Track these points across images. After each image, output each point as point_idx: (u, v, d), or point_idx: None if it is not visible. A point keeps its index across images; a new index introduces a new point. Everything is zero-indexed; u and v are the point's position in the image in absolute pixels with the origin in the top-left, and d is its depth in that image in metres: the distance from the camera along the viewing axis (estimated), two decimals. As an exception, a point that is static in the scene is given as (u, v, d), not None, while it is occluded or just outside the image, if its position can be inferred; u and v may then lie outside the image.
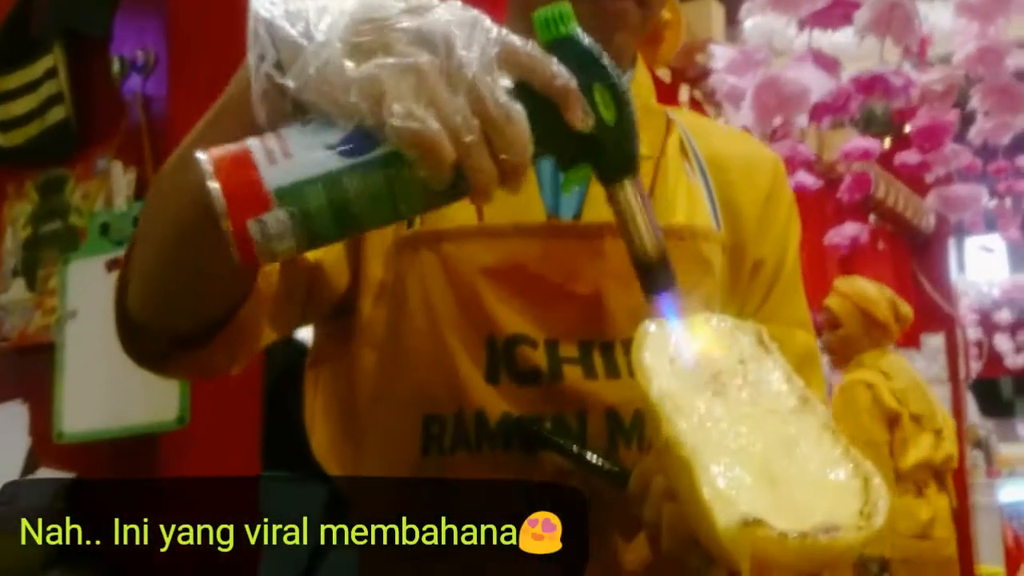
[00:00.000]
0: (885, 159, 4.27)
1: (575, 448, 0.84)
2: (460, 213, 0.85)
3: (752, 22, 2.66)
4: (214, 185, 0.57)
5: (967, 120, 3.44)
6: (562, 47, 0.65)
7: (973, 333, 7.79)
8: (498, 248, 0.87)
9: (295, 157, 0.58)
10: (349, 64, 0.57)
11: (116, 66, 1.85)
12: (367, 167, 0.58)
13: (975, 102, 2.89)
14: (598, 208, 0.87)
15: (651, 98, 0.99)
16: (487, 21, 0.60)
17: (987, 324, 8.40)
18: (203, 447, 1.71)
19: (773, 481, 0.63)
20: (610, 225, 0.86)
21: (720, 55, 2.83)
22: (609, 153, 0.67)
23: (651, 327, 0.74)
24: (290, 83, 0.58)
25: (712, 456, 0.64)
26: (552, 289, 0.87)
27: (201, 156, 0.58)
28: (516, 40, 0.61)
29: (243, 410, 1.81)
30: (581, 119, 0.63)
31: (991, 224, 6.41)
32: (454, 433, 0.85)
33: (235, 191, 0.57)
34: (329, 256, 0.86)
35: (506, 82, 0.60)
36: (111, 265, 1.77)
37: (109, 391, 1.71)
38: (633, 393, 0.81)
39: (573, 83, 0.62)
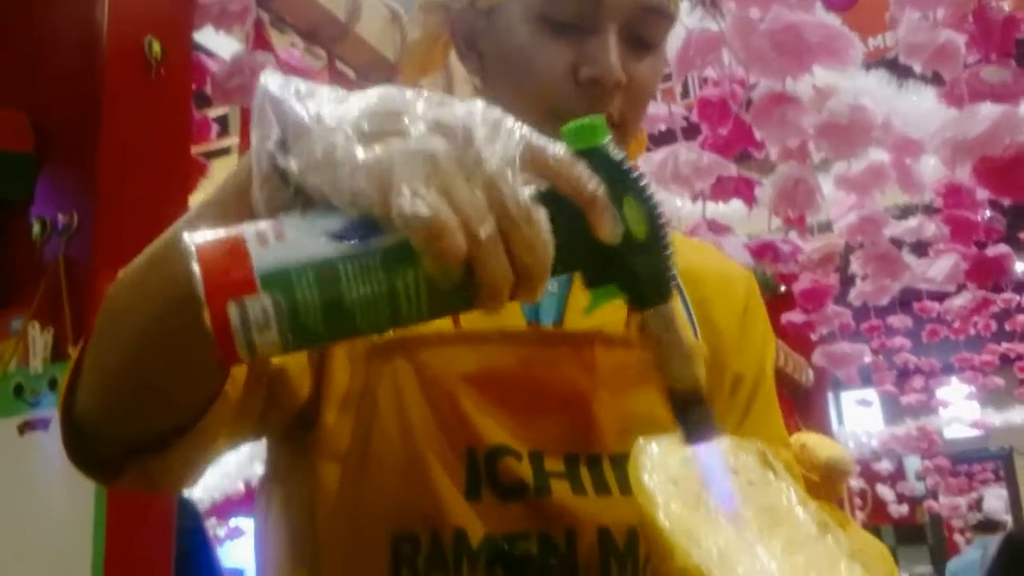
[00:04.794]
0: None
1: None
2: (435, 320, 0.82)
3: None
4: (195, 261, 0.51)
5: (846, 283, 3.67)
6: (591, 157, 0.58)
7: (856, 483, 8.01)
8: (479, 354, 0.82)
9: (288, 241, 0.52)
10: (358, 148, 0.52)
11: (36, 228, 1.85)
12: (366, 256, 0.52)
13: (855, 267, 3.09)
14: (580, 315, 0.84)
15: None
16: (512, 119, 0.55)
17: (868, 474, 8.65)
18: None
19: None
20: (600, 333, 0.84)
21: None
22: (639, 274, 0.60)
23: (648, 446, 0.69)
24: (293, 165, 0.53)
25: None
26: (537, 399, 0.82)
27: (187, 237, 0.52)
28: (543, 140, 0.55)
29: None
30: (609, 230, 0.56)
31: (866, 379, 6.71)
32: (429, 554, 0.78)
33: (216, 271, 0.51)
34: (292, 364, 0.79)
35: (529, 187, 0.54)
36: (24, 428, 1.72)
37: (19, 559, 1.64)
38: (626, 512, 0.77)
39: (602, 190, 0.56)
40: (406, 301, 0.53)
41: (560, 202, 0.55)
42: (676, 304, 0.61)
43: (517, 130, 0.55)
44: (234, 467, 6.03)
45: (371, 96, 0.55)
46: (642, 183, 0.59)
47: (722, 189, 2.68)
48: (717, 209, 2.81)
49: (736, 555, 0.61)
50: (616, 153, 0.59)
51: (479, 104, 0.55)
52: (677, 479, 0.67)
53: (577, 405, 0.82)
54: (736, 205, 2.92)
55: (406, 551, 0.78)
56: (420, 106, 0.54)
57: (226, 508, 6.48)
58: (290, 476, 0.85)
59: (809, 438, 3.92)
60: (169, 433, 0.71)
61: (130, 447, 0.72)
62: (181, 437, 0.71)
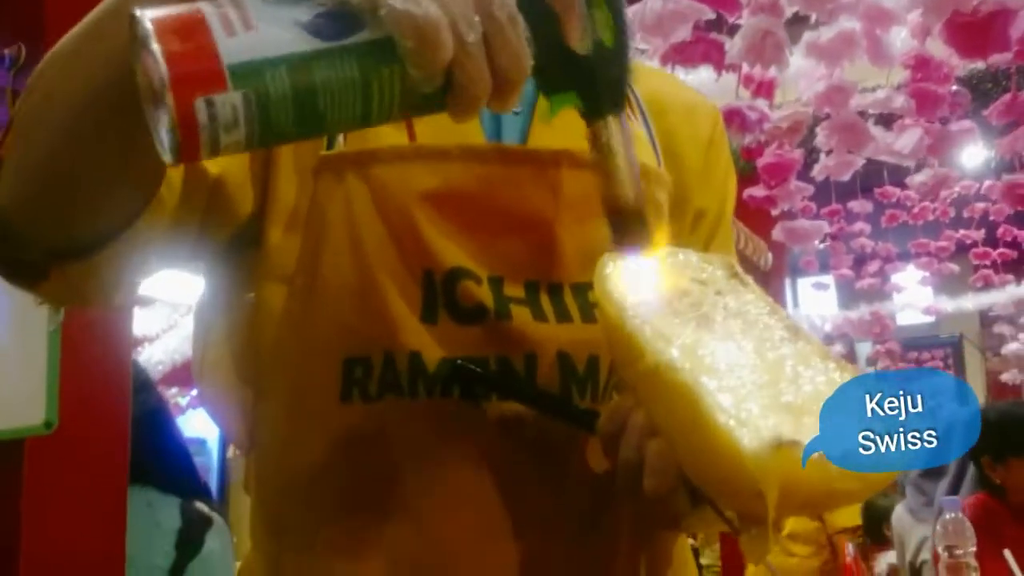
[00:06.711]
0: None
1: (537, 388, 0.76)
2: (390, 133, 0.76)
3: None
4: (156, 47, 0.46)
5: (809, 161, 3.67)
6: None
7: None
8: (439, 172, 0.77)
9: (258, 31, 0.48)
10: None
11: (-17, 61, 1.79)
12: (344, 54, 0.49)
13: (820, 139, 3.08)
14: (545, 136, 0.81)
15: None
16: None
17: (820, 358, 8.80)
18: (71, 453, 1.65)
19: (784, 407, 0.57)
20: (567, 153, 0.80)
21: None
22: (600, 82, 0.59)
23: (614, 259, 0.69)
24: None
25: (715, 381, 0.58)
26: (498, 221, 0.78)
27: (141, 14, 0.48)
28: None
29: (112, 414, 1.76)
30: (580, 37, 0.56)
31: (823, 265, 6.78)
32: (381, 377, 0.76)
33: (183, 61, 0.47)
34: (233, 172, 0.75)
35: None
36: (-27, 264, 1.69)
37: (-28, 394, 1.63)
38: (588, 338, 0.77)
39: None
40: (378, 101, 0.51)
41: (532, 5, 0.54)
42: (633, 125, 0.61)
43: None
44: (194, 332, 6.00)
45: None
46: None
47: (690, 53, 2.64)
48: (685, 79, 2.78)
49: (707, 349, 0.61)
50: None
51: None
52: (644, 287, 0.67)
53: (540, 230, 0.79)
54: (704, 77, 2.89)
55: (358, 374, 0.76)
56: None
57: (188, 376, 6.49)
58: (230, 300, 0.82)
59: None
60: (98, 238, 0.67)
61: (55, 253, 0.68)
62: (111, 242, 0.67)
